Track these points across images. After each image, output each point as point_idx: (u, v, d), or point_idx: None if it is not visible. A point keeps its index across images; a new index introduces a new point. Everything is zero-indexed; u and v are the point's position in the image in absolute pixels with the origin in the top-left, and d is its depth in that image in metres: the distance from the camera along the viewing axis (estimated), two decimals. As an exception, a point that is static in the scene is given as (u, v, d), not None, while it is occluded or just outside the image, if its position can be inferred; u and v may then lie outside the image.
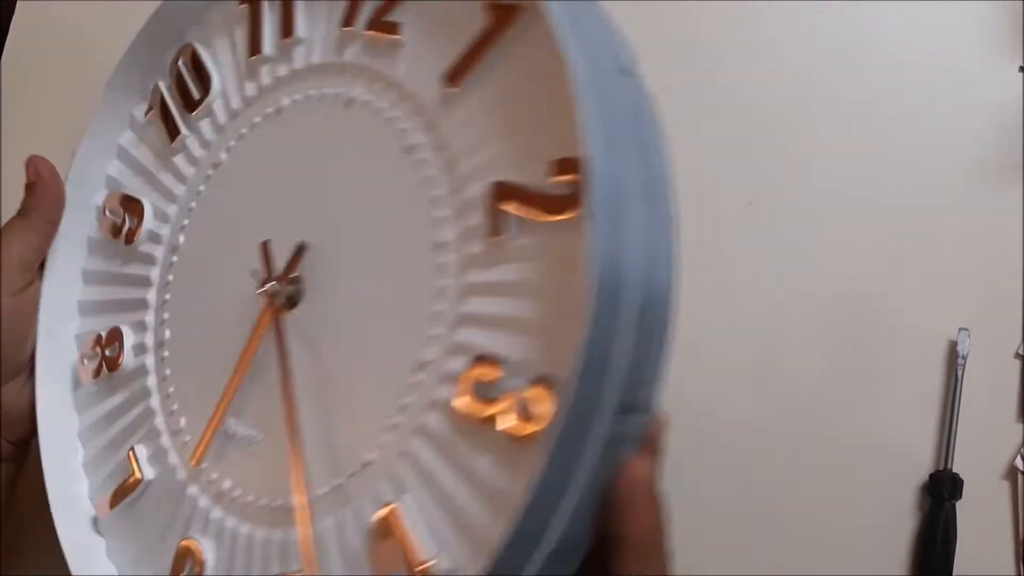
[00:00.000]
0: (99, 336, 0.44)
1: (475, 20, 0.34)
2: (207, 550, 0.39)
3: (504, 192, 0.33)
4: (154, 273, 0.44)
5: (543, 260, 0.32)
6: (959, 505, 0.46)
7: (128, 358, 0.43)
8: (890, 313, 0.47)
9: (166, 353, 0.43)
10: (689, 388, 0.46)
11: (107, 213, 0.45)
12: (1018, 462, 0.46)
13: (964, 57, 0.48)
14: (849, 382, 0.47)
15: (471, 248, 0.34)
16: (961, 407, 0.46)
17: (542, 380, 0.31)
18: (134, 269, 0.44)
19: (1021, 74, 0.47)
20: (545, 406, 0.31)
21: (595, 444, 0.30)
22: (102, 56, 0.47)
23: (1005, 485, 0.46)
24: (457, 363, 0.34)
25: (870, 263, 0.47)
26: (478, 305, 0.34)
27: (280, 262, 0.39)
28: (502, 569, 0.31)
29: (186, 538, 0.40)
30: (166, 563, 0.40)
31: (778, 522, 0.48)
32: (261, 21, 0.42)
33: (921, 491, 0.47)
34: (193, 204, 0.43)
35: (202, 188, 0.43)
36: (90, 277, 0.46)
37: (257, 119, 0.42)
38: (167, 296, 0.43)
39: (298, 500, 0.36)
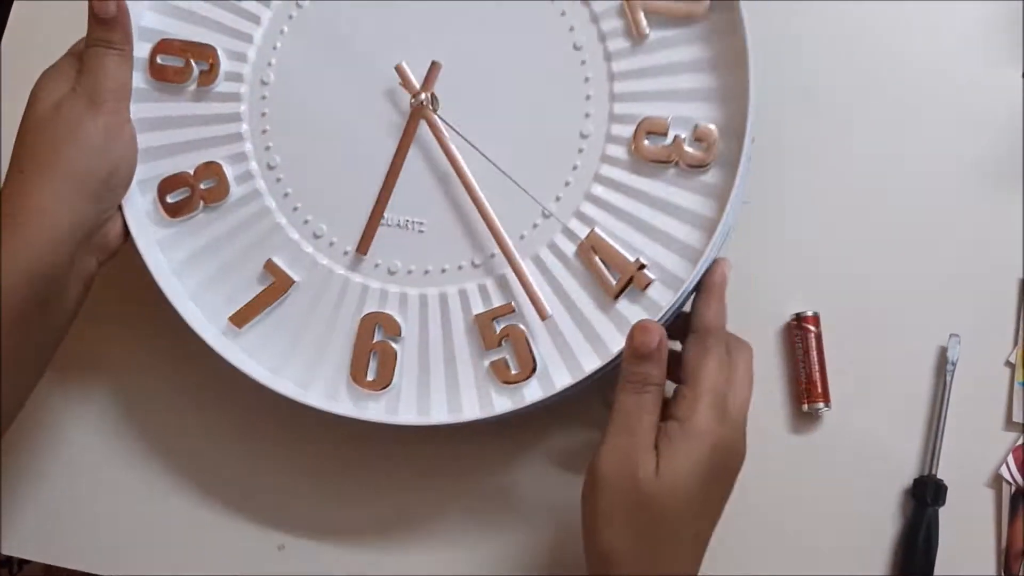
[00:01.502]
0: (186, 174, 0.47)
1: None
2: (394, 315, 0.46)
3: None
4: (243, 108, 0.48)
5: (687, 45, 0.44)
6: (942, 511, 0.45)
7: (234, 187, 0.48)
8: (882, 317, 0.47)
9: (280, 175, 0.48)
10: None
11: (157, 60, 0.48)
12: (1003, 471, 0.46)
13: (964, 61, 0.49)
14: (839, 384, 0.47)
15: (613, 46, 0.44)
16: (949, 413, 0.46)
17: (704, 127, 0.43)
18: (215, 108, 0.48)
19: (1022, 79, 0.48)
20: (713, 141, 0.43)
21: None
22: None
23: (989, 493, 0.46)
24: (622, 129, 0.44)
25: (863, 267, 0.48)
26: (629, 86, 0.44)
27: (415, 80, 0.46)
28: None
29: (364, 315, 0.46)
30: (342, 342, 0.46)
31: (763, 521, 0.47)
32: None
33: (905, 495, 0.46)
34: (278, 43, 0.48)
35: (286, 28, 0.48)
36: (146, 124, 0.48)
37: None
38: (266, 127, 0.48)
39: (501, 244, 0.44)
